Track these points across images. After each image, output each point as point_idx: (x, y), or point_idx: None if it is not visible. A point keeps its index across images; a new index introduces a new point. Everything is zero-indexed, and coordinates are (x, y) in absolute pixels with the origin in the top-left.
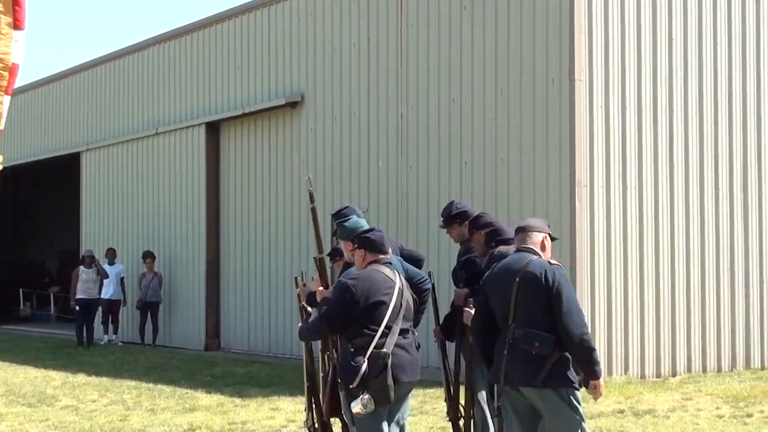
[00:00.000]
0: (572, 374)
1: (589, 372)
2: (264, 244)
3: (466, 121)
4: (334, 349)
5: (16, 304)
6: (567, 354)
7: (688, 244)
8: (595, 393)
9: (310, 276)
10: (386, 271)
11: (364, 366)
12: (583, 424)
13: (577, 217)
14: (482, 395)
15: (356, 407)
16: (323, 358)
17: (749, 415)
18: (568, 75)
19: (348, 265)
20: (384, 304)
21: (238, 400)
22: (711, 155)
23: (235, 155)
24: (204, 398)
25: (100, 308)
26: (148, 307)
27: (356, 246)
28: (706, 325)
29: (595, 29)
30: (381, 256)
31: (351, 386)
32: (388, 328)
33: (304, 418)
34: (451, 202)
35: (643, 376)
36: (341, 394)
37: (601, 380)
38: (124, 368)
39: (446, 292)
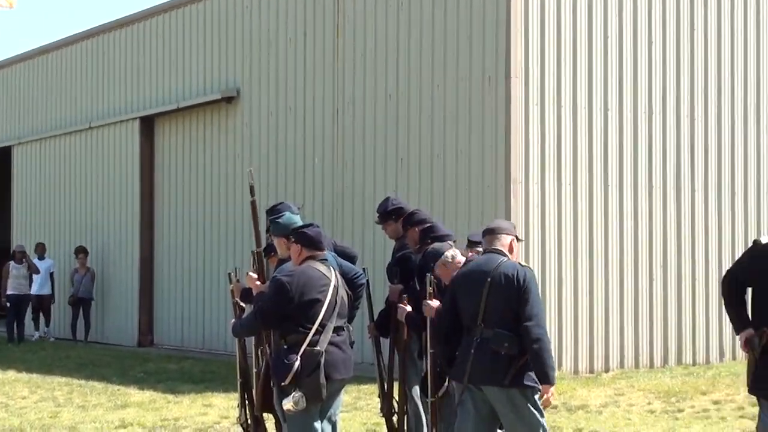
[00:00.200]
0: (536, 376)
1: (542, 376)
2: (198, 240)
3: (403, 117)
4: (267, 345)
5: None
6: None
7: (622, 241)
8: (545, 400)
9: (244, 272)
10: (322, 267)
11: (297, 364)
12: (543, 423)
13: (512, 213)
14: (416, 391)
15: (287, 404)
16: (257, 353)
17: (680, 410)
18: (504, 72)
19: (281, 261)
20: (319, 302)
21: (170, 397)
22: (645, 152)
23: (170, 150)
24: (136, 395)
25: (30, 304)
26: (81, 303)
27: (293, 241)
28: (639, 321)
29: (531, 27)
30: (317, 253)
31: (283, 383)
32: (322, 326)
33: (237, 414)
34: (387, 198)
35: (576, 372)
36: (274, 390)
37: (552, 389)
38: (56, 365)
39: (381, 289)
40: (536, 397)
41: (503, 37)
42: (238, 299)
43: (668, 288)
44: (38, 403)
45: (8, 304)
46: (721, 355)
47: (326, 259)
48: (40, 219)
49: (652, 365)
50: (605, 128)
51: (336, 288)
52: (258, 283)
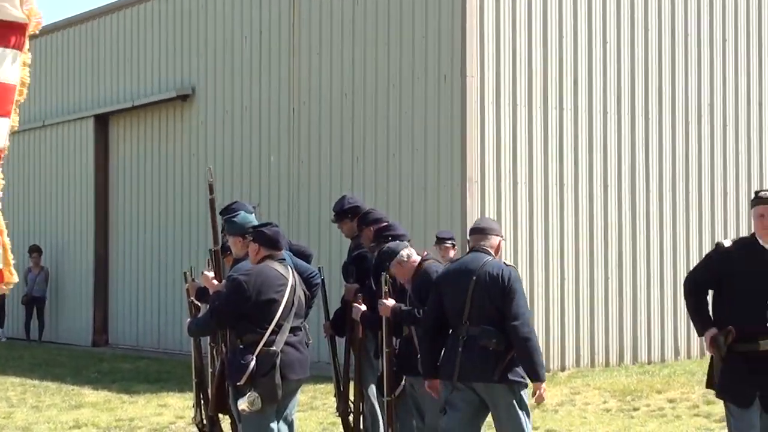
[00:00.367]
0: (523, 372)
1: (533, 373)
2: (153, 239)
3: (358, 116)
4: (223, 344)
5: None
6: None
7: (577, 240)
8: (538, 397)
9: (200, 271)
10: (279, 267)
11: (253, 364)
12: (529, 419)
13: (468, 212)
14: (371, 390)
15: (243, 404)
16: (212, 353)
17: (636, 409)
18: (459, 71)
19: (237, 261)
20: (276, 302)
21: (125, 397)
22: (600, 151)
23: (125, 148)
24: (91, 395)
25: None
26: (34, 303)
27: (251, 240)
28: (595, 319)
29: (486, 26)
30: (275, 252)
31: (239, 383)
32: (279, 326)
33: (193, 415)
34: (343, 197)
35: None
36: (229, 390)
37: (543, 385)
38: (9, 365)
39: (337, 287)
40: (522, 393)
41: (459, 37)
42: (193, 298)
43: (623, 287)
44: None
45: None
46: (676, 353)
47: (284, 259)
48: None
49: (607, 364)
50: (561, 127)
51: (293, 288)
52: (215, 282)
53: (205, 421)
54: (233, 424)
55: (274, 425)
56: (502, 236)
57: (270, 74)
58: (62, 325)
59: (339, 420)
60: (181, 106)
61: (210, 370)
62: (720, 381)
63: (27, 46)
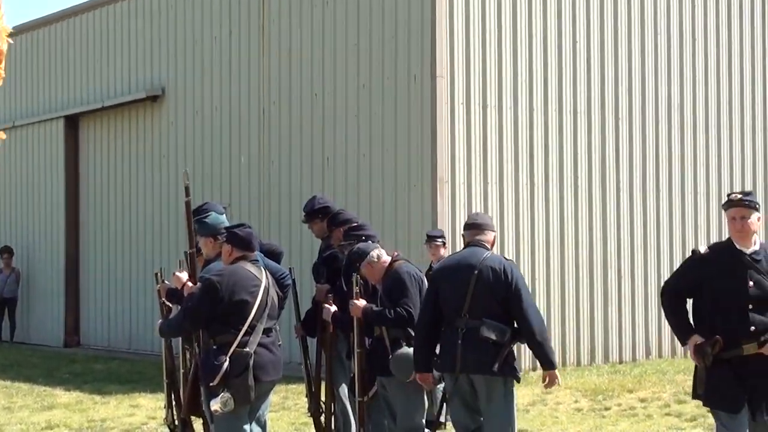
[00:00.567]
0: (517, 365)
1: (547, 363)
2: (124, 240)
3: (329, 116)
4: (196, 345)
5: None
6: (512, 346)
7: (548, 240)
8: (552, 383)
9: (171, 272)
10: (252, 268)
11: (226, 364)
12: (515, 415)
13: (438, 213)
14: (343, 390)
15: (215, 405)
16: (184, 354)
17: (607, 408)
18: (429, 72)
19: (208, 262)
20: (249, 303)
21: (97, 398)
22: (570, 151)
23: (95, 149)
24: (63, 396)
25: None
26: (5, 304)
27: (224, 241)
28: (566, 319)
29: (456, 26)
30: (248, 253)
31: (211, 384)
32: (252, 327)
33: (164, 415)
34: (314, 197)
35: None
36: (202, 391)
37: (556, 371)
38: None
39: (308, 288)
40: (514, 386)
41: (428, 37)
42: (164, 299)
43: (594, 286)
44: None
45: None
46: (648, 352)
47: (257, 260)
48: None
49: (579, 363)
50: (531, 128)
51: (267, 289)
52: (189, 283)
53: (176, 422)
54: (205, 425)
55: (246, 426)
56: (495, 231)
57: (240, 74)
58: (34, 326)
59: (311, 420)
60: (152, 107)
61: (182, 371)
62: (706, 389)
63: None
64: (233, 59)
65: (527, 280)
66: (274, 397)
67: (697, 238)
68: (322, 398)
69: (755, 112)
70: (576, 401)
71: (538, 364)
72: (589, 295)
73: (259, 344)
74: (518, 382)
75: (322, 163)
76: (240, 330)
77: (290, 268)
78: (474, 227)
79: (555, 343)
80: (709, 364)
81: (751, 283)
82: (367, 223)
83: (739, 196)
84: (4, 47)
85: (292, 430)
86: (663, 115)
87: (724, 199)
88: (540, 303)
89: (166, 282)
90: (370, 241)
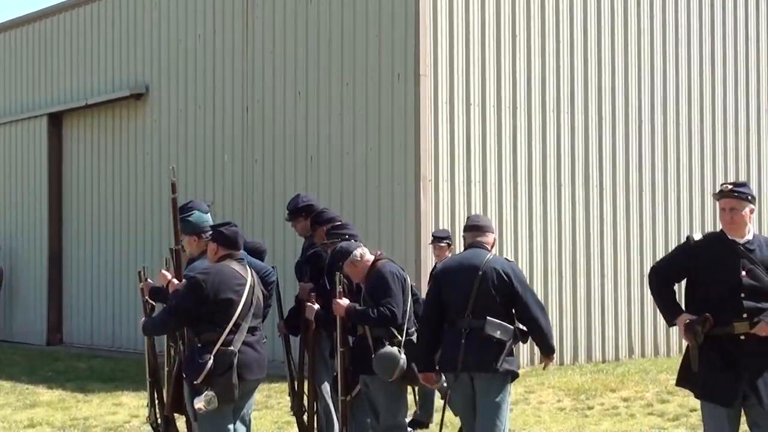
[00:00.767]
0: (516, 364)
1: (548, 349)
2: (108, 238)
3: (312, 114)
4: (181, 342)
5: None
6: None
7: (531, 239)
8: (547, 364)
9: (154, 270)
10: (238, 267)
11: (210, 363)
12: (507, 412)
13: (422, 211)
14: (326, 389)
15: (199, 403)
16: (169, 352)
17: (590, 408)
18: (413, 70)
19: (192, 260)
20: (234, 301)
21: (80, 396)
22: (554, 150)
23: (79, 147)
24: (45, 394)
25: None
26: None
27: (209, 239)
28: (549, 318)
29: (440, 25)
30: (234, 252)
31: (195, 382)
32: (237, 325)
33: (147, 414)
34: (297, 195)
35: None
36: (185, 389)
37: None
38: None
39: (291, 286)
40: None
41: (412, 36)
42: (147, 298)
43: (577, 285)
44: None
45: None
46: (630, 352)
47: (242, 259)
48: None
49: (562, 363)
50: (514, 127)
51: (252, 288)
52: (175, 281)
53: (159, 420)
54: (188, 424)
55: (230, 425)
56: (495, 233)
57: (224, 73)
58: (16, 323)
59: (294, 419)
60: (135, 105)
61: (166, 369)
62: (701, 381)
63: None
64: (217, 58)
65: None
66: (257, 396)
67: (679, 237)
68: (305, 397)
69: (760, 113)
70: (559, 400)
71: (526, 360)
72: (572, 294)
73: (244, 343)
74: (517, 378)
75: (306, 161)
76: (225, 328)
77: (273, 266)
78: (475, 229)
79: None
80: (701, 341)
81: (744, 272)
82: (350, 222)
83: (730, 186)
84: None
85: (275, 428)
86: (646, 113)
87: (708, 193)
88: None
89: (149, 280)
90: (353, 240)
